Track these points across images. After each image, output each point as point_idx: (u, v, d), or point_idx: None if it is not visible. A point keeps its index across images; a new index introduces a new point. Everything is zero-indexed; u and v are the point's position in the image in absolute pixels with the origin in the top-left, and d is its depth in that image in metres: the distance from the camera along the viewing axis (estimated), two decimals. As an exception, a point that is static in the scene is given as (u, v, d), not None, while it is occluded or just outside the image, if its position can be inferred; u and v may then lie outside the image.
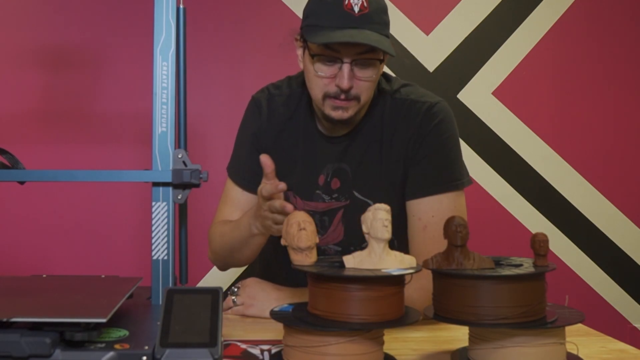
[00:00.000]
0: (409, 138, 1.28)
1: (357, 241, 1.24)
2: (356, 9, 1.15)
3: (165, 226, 0.95)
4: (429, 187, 1.26)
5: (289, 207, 1.05)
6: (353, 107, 1.22)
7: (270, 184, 1.10)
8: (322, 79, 1.20)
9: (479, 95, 2.51)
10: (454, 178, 1.28)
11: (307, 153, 1.35)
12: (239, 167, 1.41)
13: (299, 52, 1.28)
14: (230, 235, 1.33)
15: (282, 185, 1.08)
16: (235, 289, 1.30)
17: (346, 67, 1.17)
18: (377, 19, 1.17)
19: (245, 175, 1.39)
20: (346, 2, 1.15)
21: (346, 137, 1.32)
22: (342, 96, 1.20)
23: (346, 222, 1.33)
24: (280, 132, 1.37)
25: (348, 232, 1.33)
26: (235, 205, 1.40)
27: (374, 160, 1.31)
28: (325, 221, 1.34)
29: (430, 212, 1.26)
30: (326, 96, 1.21)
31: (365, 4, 1.16)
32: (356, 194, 1.32)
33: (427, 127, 1.28)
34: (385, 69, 2.39)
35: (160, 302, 0.89)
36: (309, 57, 1.21)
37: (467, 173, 1.32)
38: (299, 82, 1.39)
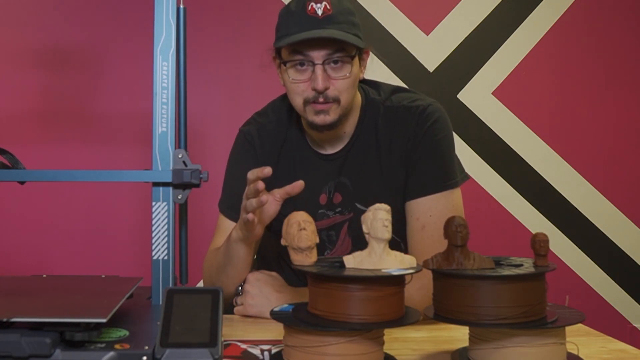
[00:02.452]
0: (405, 142, 1.29)
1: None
2: (319, 12, 1.18)
3: (165, 226, 0.95)
4: (425, 187, 1.27)
5: (260, 184, 1.06)
6: (334, 109, 1.22)
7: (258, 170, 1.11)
8: (298, 85, 1.22)
9: (479, 95, 2.51)
10: (450, 177, 1.29)
11: (305, 175, 1.32)
12: (233, 203, 1.34)
13: (278, 70, 1.30)
14: (219, 255, 1.31)
15: (268, 169, 1.09)
16: (239, 288, 1.29)
17: (318, 69, 1.19)
18: (342, 19, 1.19)
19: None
20: (309, 7, 1.18)
21: (342, 151, 1.32)
22: (321, 99, 1.21)
23: (353, 234, 1.33)
24: (277, 161, 1.35)
25: (356, 243, 1.33)
26: None
27: (374, 170, 1.31)
28: (332, 236, 1.34)
29: (428, 211, 1.26)
30: (306, 102, 1.23)
31: (328, 6, 1.18)
32: (358, 205, 1.32)
33: (422, 130, 1.28)
34: (380, 71, 2.41)
35: (160, 302, 0.89)
36: (284, 67, 1.23)
37: (462, 169, 1.33)
38: (284, 107, 1.38)
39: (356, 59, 1.23)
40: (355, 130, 1.32)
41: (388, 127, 1.31)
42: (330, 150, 1.33)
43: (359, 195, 1.32)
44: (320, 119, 1.23)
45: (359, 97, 1.33)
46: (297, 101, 1.24)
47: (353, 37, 1.19)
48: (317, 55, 1.19)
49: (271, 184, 1.33)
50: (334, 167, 1.33)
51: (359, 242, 1.30)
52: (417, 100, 1.33)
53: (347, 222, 1.33)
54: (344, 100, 1.23)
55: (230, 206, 1.37)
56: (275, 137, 1.36)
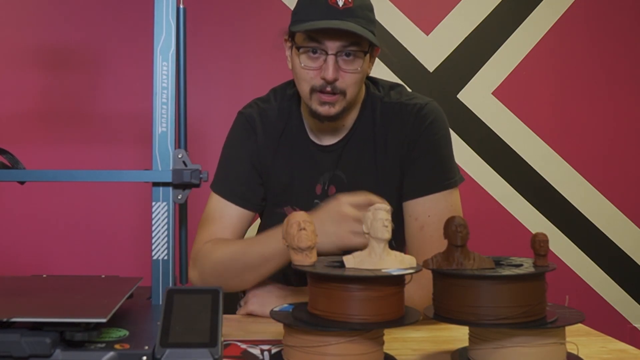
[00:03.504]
0: (402, 141, 1.29)
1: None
2: (340, 3, 1.18)
3: (165, 226, 0.95)
4: (424, 187, 1.27)
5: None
6: (339, 102, 1.23)
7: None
8: (307, 72, 1.22)
9: (479, 95, 2.51)
10: (448, 177, 1.28)
11: (302, 165, 1.34)
12: (232, 185, 1.35)
13: (288, 52, 1.30)
14: (244, 253, 1.23)
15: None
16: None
17: (331, 59, 1.19)
18: (361, 14, 1.19)
19: (242, 193, 1.34)
20: None
21: (339, 144, 1.33)
22: (328, 88, 1.21)
23: None
24: (276, 148, 1.35)
25: None
26: (227, 223, 1.33)
27: (369, 165, 1.31)
28: None
29: (427, 212, 1.26)
30: (313, 90, 1.22)
31: None
32: None
33: (420, 129, 1.29)
34: (380, 71, 2.41)
35: (160, 302, 0.89)
36: (296, 52, 1.23)
37: (458, 170, 1.33)
38: (285, 95, 1.38)
39: (367, 55, 1.24)
40: (354, 124, 1.32)
41: (384, 123, 1.31)
42: (327, 142, 1.33)
43: (353, 189, 1.31)
44: (324, 110, 1.23)
45: (362, 92, 1.33)
46: (304, 87, 1.24)
47: (369, 33, 1.20)
48: (332, 45, 1.19)
49: (269, 172, 1.34)
50: (331, 159, 1.33)
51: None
52: (415, 98, 1.33)
53: None
54: (349, 94, 1.23)
55: (230, 188, 1.34)
56: (276, 124, 1.36)
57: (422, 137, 1.28)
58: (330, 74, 1.19)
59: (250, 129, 1.37)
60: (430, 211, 1.26)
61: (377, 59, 2.40)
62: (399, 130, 1.30)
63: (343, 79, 1.21)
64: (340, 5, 1.18)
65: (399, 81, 2.42)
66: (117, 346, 0.73)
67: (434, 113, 1.30)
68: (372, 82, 1.38)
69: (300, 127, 1.35)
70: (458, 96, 2.50)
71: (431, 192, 1.27)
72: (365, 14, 1.21)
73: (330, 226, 1.08)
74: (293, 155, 1.35)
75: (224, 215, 1.34)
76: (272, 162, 1.35)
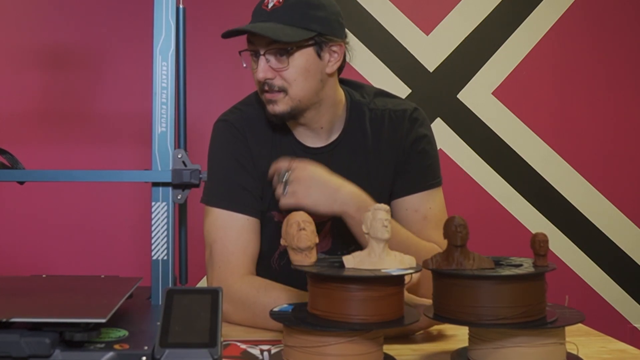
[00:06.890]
0: (397, 146, 1.32)
1: (343, 248, 1.31)
2: (269, 5, 1.21)
3: (165, 226, 0.95)
4: (423, 183, 1.32)
5: None
6: (281, 99, 1.22)
7: None
8: (254, 75, 1.24)
9: (479, 95, 2.51)
10: (439, 175, 1.36)
11: None
12: (233, 192, 1.28)
13: None
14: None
15: None
16: (284, 175, 1.19)
17: (261, 60, 1.22)
18: (290, 12, 1.20)
19: (246, 200, 1.28)
20: (265, 1, 1.22)
21: (327, 147, 1.32)
22: (266, 87, 1.22)
23: (334, 233, 1.33)
24: (269, 152, 1.31)
25: (335, 242, 1.33)
26: (244, 239, 1.25)
27: (361, 171, 1.31)
28: None
29: (427, 204, 1.32)
30: (261, 91, 1.25)
31: (280, 0, 1.20)
32: None
33: (413, 133, 1.33)
34: (380, 71, 2.41)
35: (160, 302, 0.89)
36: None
37: None
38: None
39: (308, 51, 1.21)
40: (343, 128, 1.32)
41: (377, 129, 1.33)
42: (314, 144, 1.32)
43: None
44: (270, 108, 1.24)
45: (340, 96, 1.32)
46: (258, 91, 1.27)
47: (290, 29, 1.18)
48: (260, 46, 1.22)
49: (265, 175, 1.31)
50: (317, 162, 1.28)
51: (339, 240, 1.30)
52: (402, 103, 1.37)
53: (330, 222, 1.32)
54: (292, 91, 1.22)
55: (234, 199, 1.27)
56: (265, 128, 1.33)
57: (418, 139, 1.33)
58: (259, 74, 1.22)
59: (238, 134, 1.32)
60: (429, 203, 1.32)
61: (377, 59, 2.43)
62: (393, 134, 1.32)
63: (281, 77, 1.22)
64: (269, 8, 1.21)
65: (400, 81, 2.43)
66: (116, 346, 0.73)
67: (422, 116, 1.36)
68: (355, 88, 1.37)
69: (287, 129, 1.33)
70: (458, 96, 2.50)
71: (428, 188, 1.32)
72: (295, 11, 1.20)
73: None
74: (281, 157, 1.29)
75: (238, 230, 1.25)
76: (267, 167, 1.28)
